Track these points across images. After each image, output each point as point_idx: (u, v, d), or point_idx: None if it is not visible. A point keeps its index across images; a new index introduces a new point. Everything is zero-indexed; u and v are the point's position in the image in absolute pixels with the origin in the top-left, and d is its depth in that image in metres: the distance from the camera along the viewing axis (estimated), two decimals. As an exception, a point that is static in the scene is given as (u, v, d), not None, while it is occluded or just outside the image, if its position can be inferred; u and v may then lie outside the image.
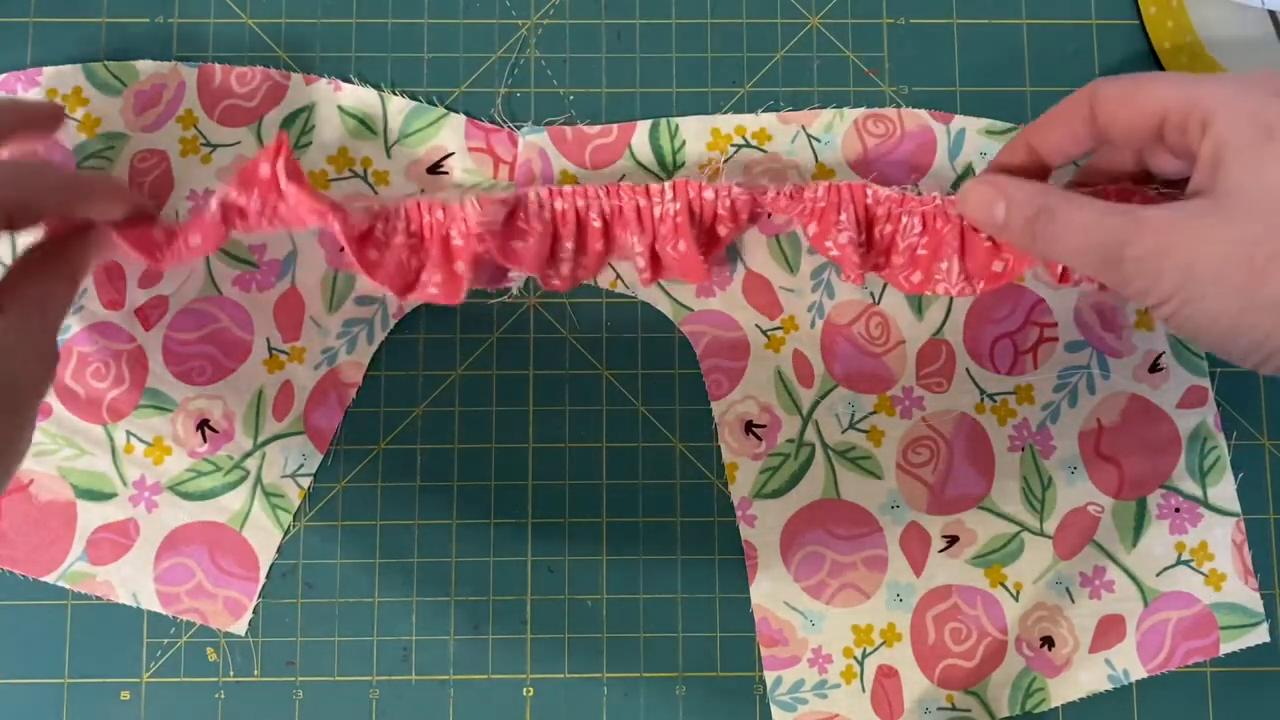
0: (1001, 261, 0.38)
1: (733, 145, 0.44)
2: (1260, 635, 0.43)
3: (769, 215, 0.42)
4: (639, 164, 0.43)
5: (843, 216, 0.39)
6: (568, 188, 0.40)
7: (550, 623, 0.43)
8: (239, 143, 0.43)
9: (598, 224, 0.40)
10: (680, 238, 0.40)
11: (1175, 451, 0.43)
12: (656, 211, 0.40)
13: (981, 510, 0.43)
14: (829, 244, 0.40)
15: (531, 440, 0.43)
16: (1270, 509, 0.44)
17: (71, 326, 0.42)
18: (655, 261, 0.41)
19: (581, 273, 0.41)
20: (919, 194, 0.39)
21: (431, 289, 0.38)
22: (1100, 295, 0.43)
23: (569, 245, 0.40)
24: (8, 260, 0.42)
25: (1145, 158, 0.37)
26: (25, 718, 0.42)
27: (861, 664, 0.42)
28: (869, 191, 0.40)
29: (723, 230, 0.40)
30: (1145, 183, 0.38)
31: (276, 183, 0.35)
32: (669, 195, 0.39)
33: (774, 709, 0.42)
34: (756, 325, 0.43)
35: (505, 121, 0.44)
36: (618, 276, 0.44)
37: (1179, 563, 0.43)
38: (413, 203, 0.38)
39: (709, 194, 0.39)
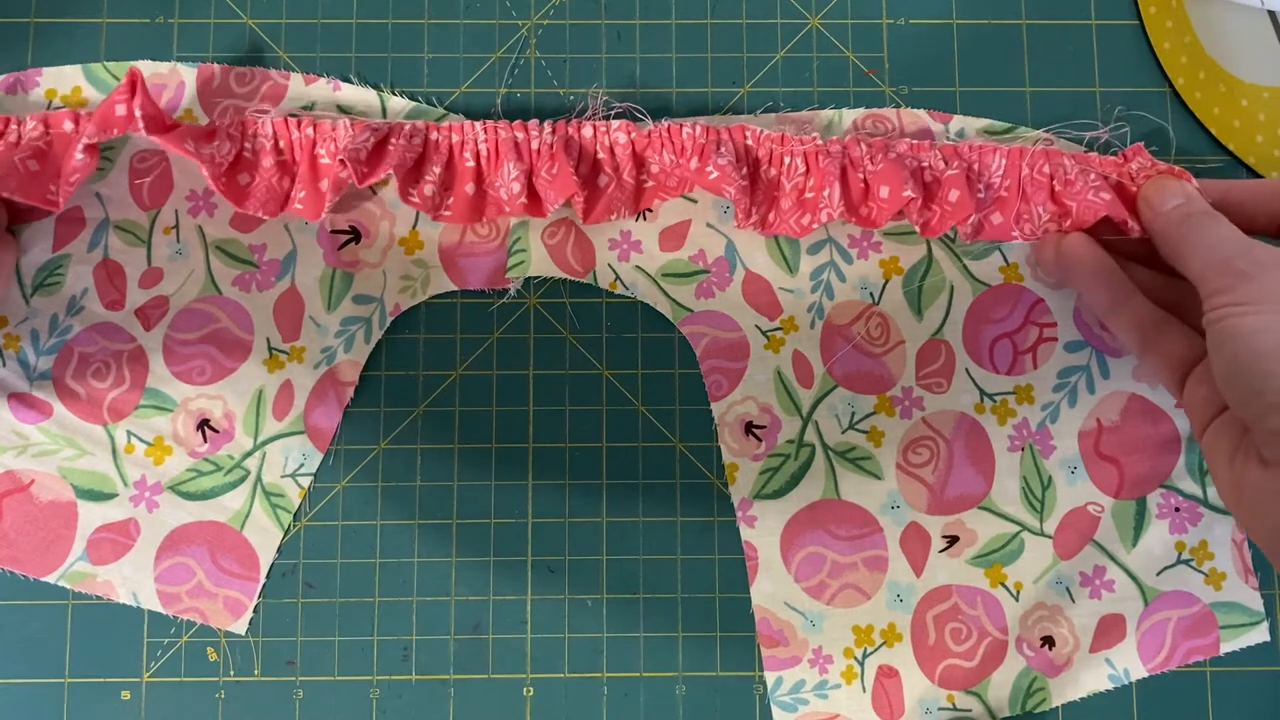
0: (868, 208, 0.41)
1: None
2: (1260, 634, 0.43)
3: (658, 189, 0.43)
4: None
5: (722, 149, 0.41)
6: (445, 124, 0.41)
7: (550, 623, 0.43)
8: (239, 143, 0.43)
9: (470, 164, 0.41)
10: (555, 162, 0.41)
11: (1175, 451, 0.43)
12: (535, 145, 0.41)
13: (981, 510, 0.43)
14: (709, 169, 0.41)
15: (531, 440, 0.43)
16: (1270, 509, 0.44)
17: (73, 327, 0.42)
18: (531, 191, 0.41)
19: (447, 213, 0.41)
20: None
21: (296, 205, 0.40)
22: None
23: (436, 170, 0.41)
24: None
25: None
26: (26, 717, 0.42)
27: (862, 664, 0.42)
28: (747, 133, 0.41)
29: (603, 180, 0.41)
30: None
31: (133, 118, 0.38)
32: (547, 129, 0.41)
33: (775, 709, 0.42)
34: (756, 326, 0.43)
35: (505, 121, 0.44)
36: (617, 278, 0.44)
37: (1179, 562, 0.43)
38: (281, 120, 0.41)
39: (588, 131, 0.41)
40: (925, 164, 0.41)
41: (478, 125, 0.41)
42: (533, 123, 0.41)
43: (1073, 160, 0.41)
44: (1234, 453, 0.36)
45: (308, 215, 0.41)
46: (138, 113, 0.38)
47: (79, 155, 0.39)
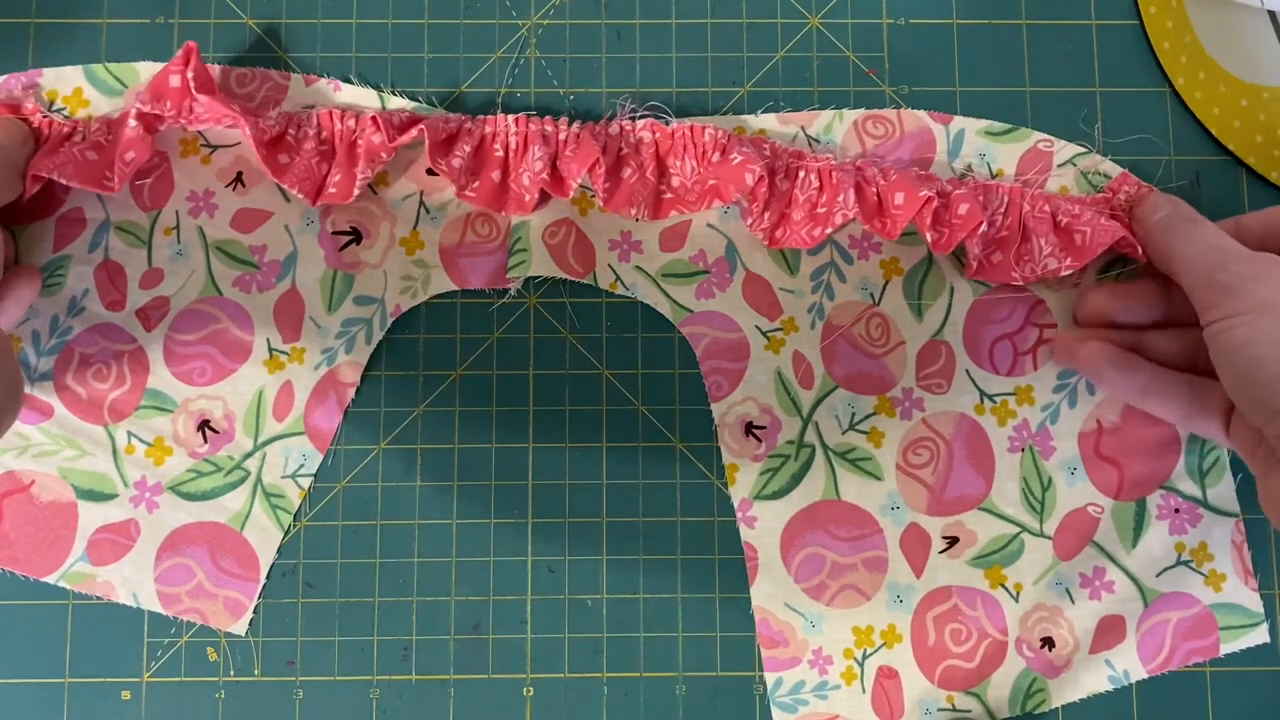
0: (881, 221, 0.41)
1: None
2: (1260, 635, 0.43)
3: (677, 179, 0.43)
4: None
5: (744, 146, 0.41)
6: (481, 116, 0.42)
7: (550, 623, 0.43)
8: (239, 144, 0.43)
9: (499, 153, 0.41)
10: (580, 146, 0.41)
11: (1175, 452, 0.43)
12: (562, 136, 0.42)
13: (981, 511, 0.43)
14: (734, 155, 0.41)
15: (531, 440, 0.43)
16: (1270, 509, 0.44)
17: (73, 328, 0.43)
18: (554, 173, 0.42)
19: (471, 194, 0.41)
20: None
21: (330, 189, 0.41)
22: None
23: (466, 148, 0.41)
24: None
25: None
26: (26, 717, 0.42)
27: (862, 665, 0.42)
28: (766, 145, 0.42)
29: (627, 172, 0.42)
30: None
31: (188, 90, 0.40)
32: (575, 125, 0.42)
33: (774, 710, 0.42)
34: (756, 326, 0.43)
35: (505, 122, 0.44)
36: (617, 278, 0.44)
37: (1179, 563, 0.43)
38: (325, 111, 0.41)
39: (614, 129, 0.42)
40: (935, 188, 0.41)
41: (509, 118, 0.42)
42: (562, 120, 0.42)
43: (1069, 201, 0.42)
44: (1269, 464, 0.38)
45: (339, 199, 0.41)
46: (190, 75, 0.40)
47: (131, 124, 0.40)
